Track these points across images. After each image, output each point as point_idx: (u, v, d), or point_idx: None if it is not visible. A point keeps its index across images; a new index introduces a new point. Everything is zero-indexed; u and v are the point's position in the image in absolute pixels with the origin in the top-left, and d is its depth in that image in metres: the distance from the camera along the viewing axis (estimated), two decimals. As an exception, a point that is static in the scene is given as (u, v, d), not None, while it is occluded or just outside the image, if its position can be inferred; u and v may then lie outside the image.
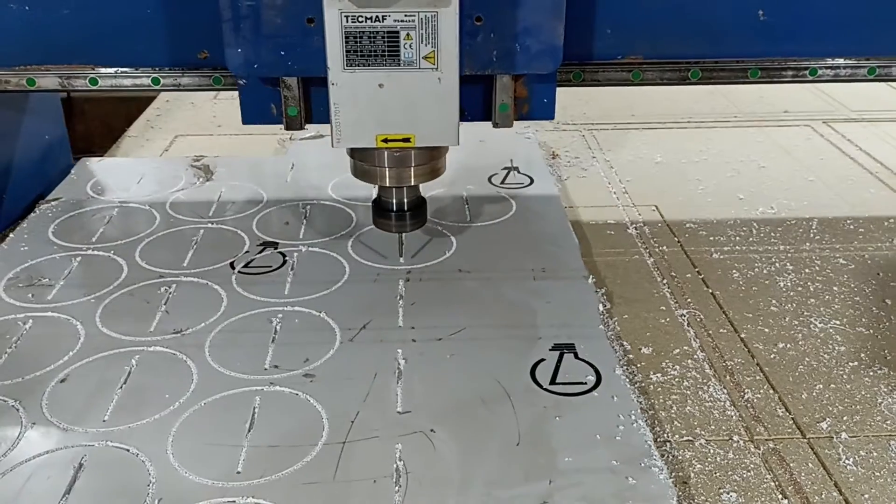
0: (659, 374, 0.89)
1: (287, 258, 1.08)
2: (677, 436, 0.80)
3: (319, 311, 0.96)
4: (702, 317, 0.99)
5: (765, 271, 1.09)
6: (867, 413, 0.83)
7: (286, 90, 0.85)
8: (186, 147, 1.56)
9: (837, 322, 0.98)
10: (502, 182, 1.30)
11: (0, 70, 0.96)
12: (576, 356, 0.88)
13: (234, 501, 0.70)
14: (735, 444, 0.79)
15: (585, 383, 0.84)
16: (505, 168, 1.35)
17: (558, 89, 0.89)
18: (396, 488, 0.71)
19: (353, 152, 0.92)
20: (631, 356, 0.92)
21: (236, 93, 0.90)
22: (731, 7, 0.94)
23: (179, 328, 0.93)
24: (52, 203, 1.23)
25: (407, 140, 0.84)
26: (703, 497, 0.73)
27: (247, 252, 1.09)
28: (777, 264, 1.11)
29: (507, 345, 0.90)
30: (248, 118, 0.90)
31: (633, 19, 0.94)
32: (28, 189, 1.26)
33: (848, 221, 1.23)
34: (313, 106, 0.88)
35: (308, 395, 0.82)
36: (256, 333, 0.92)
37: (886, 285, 1.06)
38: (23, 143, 1.26)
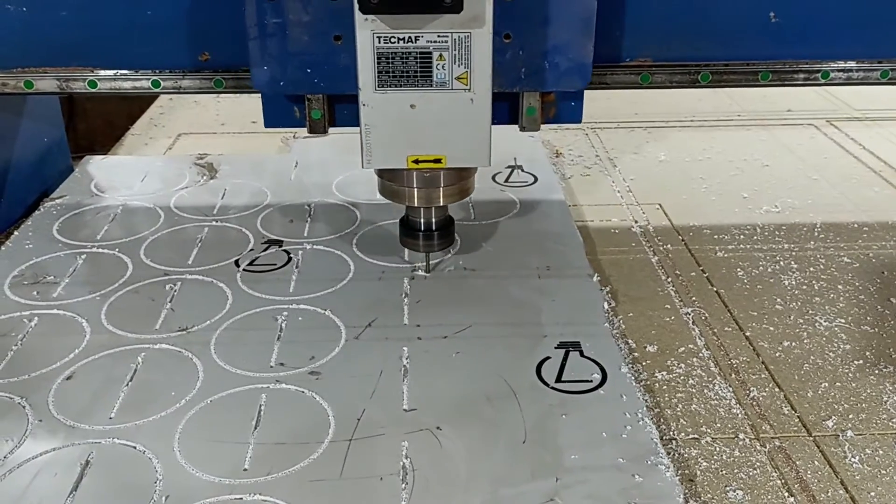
0: (664, 372, 0.89)
1: (292, 256, 1.08)
2: (683, 434, 0.80)
3: (325, 308, 0.96)
4: (707, 315, 0.99)
5: (769, 270, 1.09)
6: (873, 411, 0.83)
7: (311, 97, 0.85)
8: (190, 145, 1.56)
9: (842, 320, 0.98)
10: (506, 180, 1.30)
11: (-3, 72, 0.95)
12: (581, 354, 0.88)
13: (241, 499, 0.70)
14: (741, 442, 0.79)
15: (591, 381, 0.84)
16: (509, 166, 1.35)
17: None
18: (403, 486, 0.71)
19: (382, 172, 0.92)
20: (636, 354, 0.92)
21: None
22: (741, 9, 0.93)
23: (185, 326, 0.93)
24: (57, 201, 1.23)
25: (438, 161, 0.84)
26: (709, 495, 0.73)
27: (251, 250, 1.09)
28: (781, 263, 1.11)
29: (512, 343, 0.90)
30: (270, 121, 0.89)
31: (642, 21, 0.93)
32: (27, 191, 1.25)
33: (852, 220, 1.23)
34: (337, 110, 0.88)
35: (314, 393, 0.82)
36: (262, 331, 0.92)
37: (891, 284, 1.06)
38: (21, 145, 1.25)
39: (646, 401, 0.83)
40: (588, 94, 0.91)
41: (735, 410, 0.83)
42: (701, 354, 0.92)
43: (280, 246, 1.10)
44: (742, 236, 1.18)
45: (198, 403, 0.81)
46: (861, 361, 0.91)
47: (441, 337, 0.91)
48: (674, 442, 0.79)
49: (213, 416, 0.79)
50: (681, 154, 1.50)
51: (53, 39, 0.93)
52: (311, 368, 0.86)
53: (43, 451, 0.75)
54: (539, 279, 1.02)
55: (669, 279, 1.07)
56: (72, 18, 0.92)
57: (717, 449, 0.78)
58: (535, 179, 1.31)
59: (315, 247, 1.10)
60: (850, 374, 0.89)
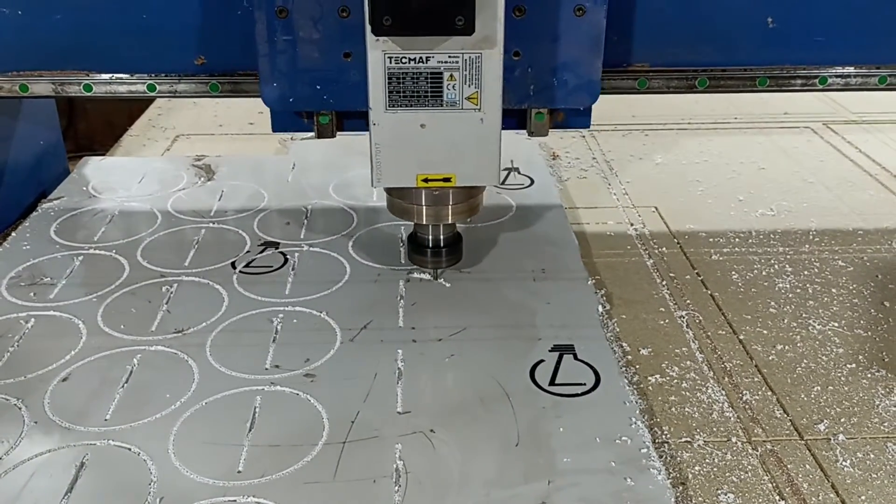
0: (658, 376, 0.89)
1: (288, 258, 1.08)
2: (676, 437, 0.81)
3: (320, 311, 0.96)
4: (701, 318, 1.00)
5: (764, 273, 1.10)
6: (865, 415, 0.84)
7: None
8: (188, 146, 1.56)
9: (836, 324, 0.98)
10: (503, 183, 1.31)
11: (-7, 76, 0.95)
12: (575, 357, 0.88)
13: (235, 501, 0.70)
14: (733, 446, 0.80)
15: (585, 384, 0.84)
16: (506, 169, 1.35)
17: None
18: (396, 488, 0.71)
19: (391, 189, 0.92)
20: (630, 357, 0.92)
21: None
22: (738, 14, 0.93)
23: (181, 328, 0.93)
24: (54, 202, 1.23)
25: (447, 180, 0.85)
26: (700, 498, 0.73)
27: (248, 252, 1.10)
28: (776, 266, 1.11)
29: (506, 345, 0.90)
30: (278, 126, 0.89)
31: (639, 26, 0.93)
32: (22, 194, 1.25)
33: (847, 224, 1.23)
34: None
35: (309, 395, 0.82)
36: (257, 333, 0.92)
37: (885, 287, 1.06)
38: (17, 147, 1.25)
39: (639, 404, 0.83)
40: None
41: (728, 413, 0.84)
42: (694, 357, 0.92)
43: (276, 248, 1.11)
44: (737, 239, 1.19)
45: (193, 405, 0.81)
46: (854, 365, 0.91)
47: (436, 340, 0.91)
48: (666, 445, 0.80)
49: (207, 417, 0.80)
50: (677, 157, 1.50)
51: (49, 43, 0.93)
52: (305, 371, 0.86)
53: (38, 453, 0.75)
54: (534, 282, 1.02)
55: (664, 282, 1.08)
56: (67, 22, 0.92)
57: (710, 452, 0.79)
58: (532, 182, 1.31)
59: (311, 249, 1.10)
60: (843, 378, 0.89)
